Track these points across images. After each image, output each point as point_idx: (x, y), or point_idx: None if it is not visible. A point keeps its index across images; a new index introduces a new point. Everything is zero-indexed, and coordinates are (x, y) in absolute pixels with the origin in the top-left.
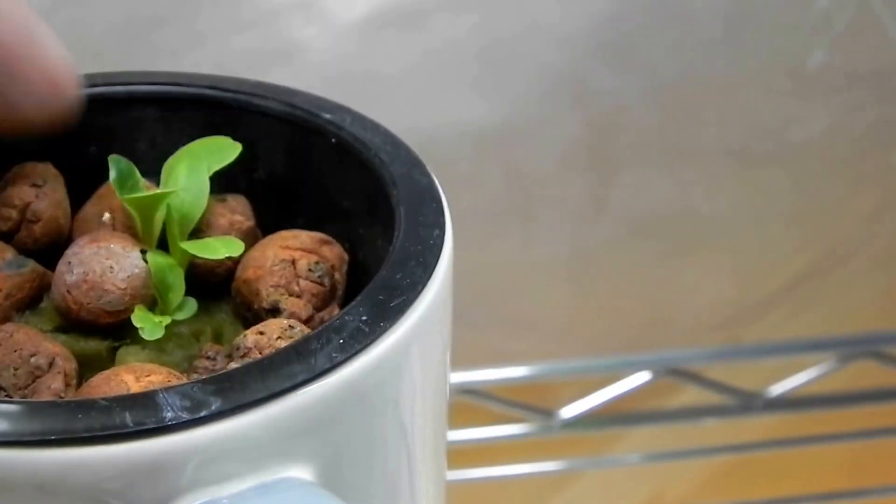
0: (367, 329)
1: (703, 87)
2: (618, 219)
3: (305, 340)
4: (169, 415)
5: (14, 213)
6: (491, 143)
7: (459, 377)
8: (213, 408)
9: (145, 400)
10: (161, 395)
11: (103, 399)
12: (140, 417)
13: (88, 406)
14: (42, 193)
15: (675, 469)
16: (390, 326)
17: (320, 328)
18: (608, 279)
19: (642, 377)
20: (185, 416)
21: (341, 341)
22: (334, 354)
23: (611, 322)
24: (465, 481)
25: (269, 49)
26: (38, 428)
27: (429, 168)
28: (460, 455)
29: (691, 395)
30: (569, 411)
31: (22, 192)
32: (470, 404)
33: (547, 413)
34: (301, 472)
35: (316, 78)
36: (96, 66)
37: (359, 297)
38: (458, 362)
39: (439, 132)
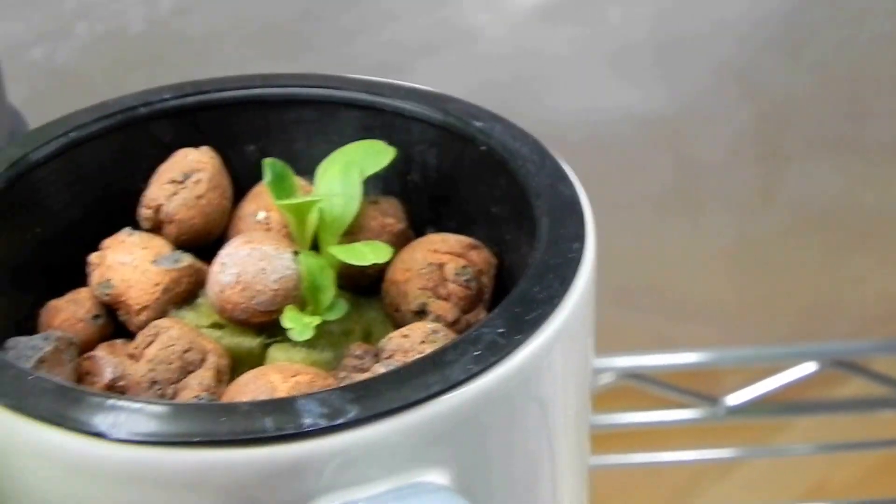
0: (502, 341)
1: (872, 82)
2: (785, 210)
3: (442, 351)
4: (308, 421)
5: (151, 213)
6: (662, 132)
7: (626, 361)
8: (350, 415)
9: (285, 406)
10: (300, 402)
11: (245, 403)
12: (280, 422)
13: (231, 410)
14: (178, 192)
15: (837, 460)
16: (525, 339)
17: (457, 339)
18: (774, 269)
19: (808, 367)
20: (323, 422)
21: (477, 353)
22: (469, 366)
23: (776, 311)
24: (628, 466)
25: (441, 35)
26: (183, 429)
27: (596, 155)
28: (623, 438)
29: (856, 387)
30: (734, 399)
31: (157, 192)
32: (635, 388)
33: (713, 400)
34: (436, 477)
35: (488, 65)
36: (275, 47)
37: (496, 310)
38: (624, 346)
39: (611, 118)
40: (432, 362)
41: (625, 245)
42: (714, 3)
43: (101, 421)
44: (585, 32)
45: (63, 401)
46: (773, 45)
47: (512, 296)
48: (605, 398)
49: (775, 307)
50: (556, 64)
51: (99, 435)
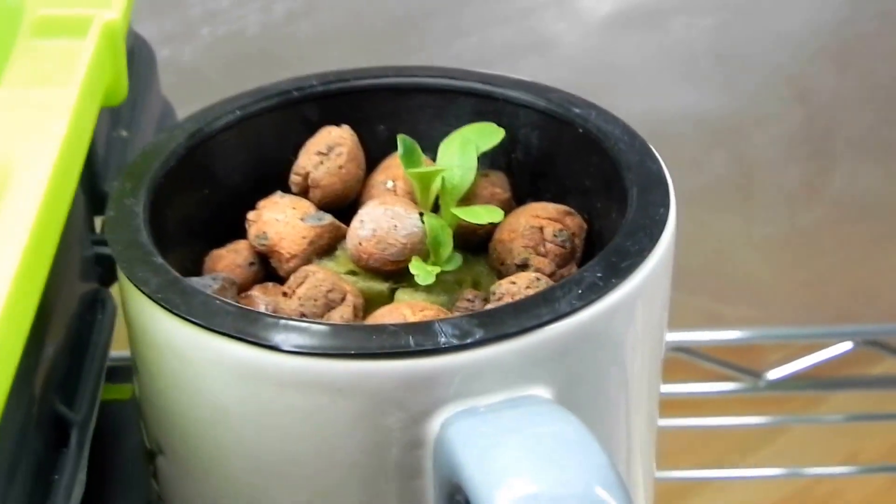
0: (601, 283)
1: None
2: (829, 203)
3: (551, 289)
4: (443, 339)
5: (300, 180)
6: (718, 132)
7: (676, 336)
8: (477, 336)
9: (424, 327)
10: (436, 325)
11: (391, 325)
12: (420, 340)
13: (380, 330)
14: (323, 162)
15: (868, 431)
16: (620, 283)
17: (563, 280)
18: (817, 257)
19: (844, 346)
20: (455, 341)
21: (580, 291)
22: (574, 301)
23: (818, 295)
24: (677, 428)
25: (524, 41)
26: (341, 344)
27: (660, 151)
28: (673, 406)
29: (888, 366)
30: (775, 374)
31: (306, 161)
32: (685, 361)
33: (755, 374)
34: (541, 392)
35: (565, 68)
36: (376, 50)
37: (596, 258)
38: (676, 323)
39: (673, 119)
40: (543, 298)
41: (682, 232)
42: (770, 14)
43: (275, 336)
44: (652, 41)
45: (244, 320)
46: (824, 53)
47: (609, 248)
48: None
49: (817, 291)
50: (624, 68)
51: (273, 347)
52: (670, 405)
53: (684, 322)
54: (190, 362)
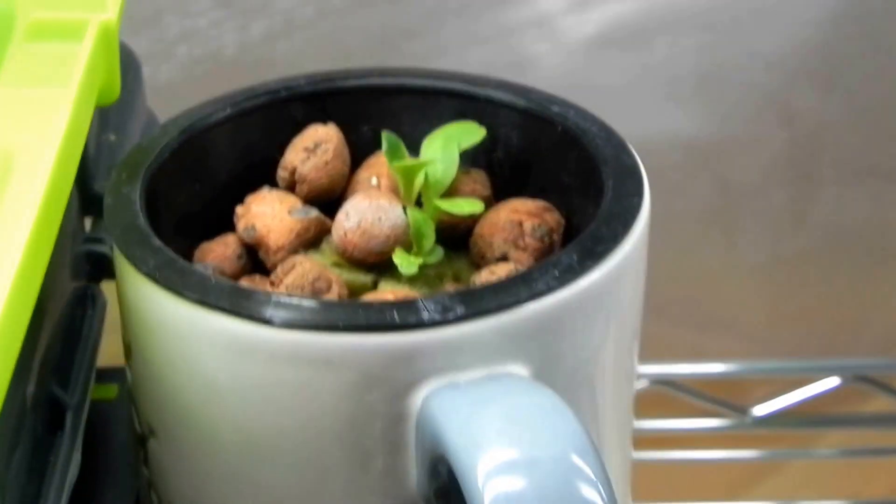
0: (577, 266)
1: None
2: (816, 231)
3: (529, 271)
4: (426, 315)
5: (287, 175)
6: (701, 155)
7: (659, 369)
8: (458, 312)
9: (408, 304)
10: (420, 302)
11: (377, 301)
12: (404, 316)
13: (367, 306)
14: (310, 158)
15: (872, 468)
16: (595, 265)
17: (541, 263)
18: (803, 287)
19: (832, 382)
20: (437, 316)
21: (557, 273)
22: (551, 282)
23: (804, 327)
24: (663, 462)
25: (504, 62)
26: (329, 318)
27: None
28: (657, 443)
29: (883, 403)
30: (761, 409)
31: (293, 157)
32: (668, 395)
33: (741, 409)
34: (519, 370)
35: (546, 89)
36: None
37: (573, 243)
38: (658, 355)
39: (656, 141)
40: (522, 279)
41: (665, 260)
42: (753, 35)
43: (268, 311)
44: (635, 62)
45: (238, 297)
46: (808, 75)
47: (585, 233)
48: (640, 403)
49: (802, 323)
50: (606, 90)
51: (266, 321)
52: (654, 441)
53: (667, 354)
54: (185, 339)
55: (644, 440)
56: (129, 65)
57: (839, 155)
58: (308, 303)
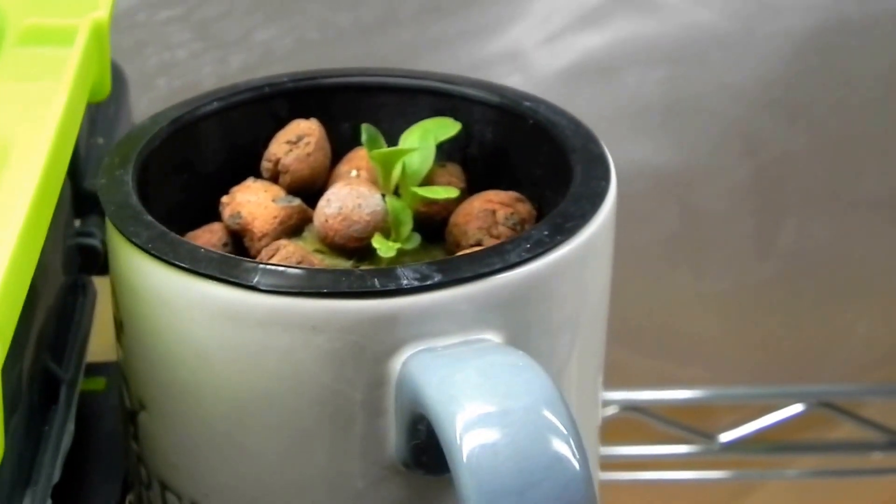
0: (547, 240)
1: (863, 143)
2: (780, 259)
3: (503, 243)
4: (405, 282)
5: (270, 166)
6: (668, 184)
7: (627, 395)
8: (436, 279)
9: (388, 272)
10: (399, 270)
11: (359, 270)
12: (385, 282)
13: (349, 273)
14: (293, 150)
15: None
16: (564, 240)
17: (514, 237)
18: (769, 314)
19: (796, 408)
20: (415, 283)
21: (528, 246)
22: (522, 254)
23: (769, 354)
24: (634, 483)
25: None
26: (313, 284)
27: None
28: (626, 468)
29: (848, 430)
30: (728, 436)
31: (276, 149)
32: (636, 421)
33: (708, 436)
34: (494, 337)
35: None
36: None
37: (544, 220)
38: (627, 382)
39: (622, 171)
40: (495, 250)
41: (630, 288)
42: (719, 68)
43: (255, 277)
44: (604, 94)
45: (226, 265)
46: (773, 106)
47: (556, 211)
48: (610, 429)
49: (767, 350)
50: None
51: (252, 287)
52: (623, 468)
53: (634, 381)
54: (176, 308)
55: (614, 466)
56: (116, 76)
57: (803, 184)
58: (294, 270)
